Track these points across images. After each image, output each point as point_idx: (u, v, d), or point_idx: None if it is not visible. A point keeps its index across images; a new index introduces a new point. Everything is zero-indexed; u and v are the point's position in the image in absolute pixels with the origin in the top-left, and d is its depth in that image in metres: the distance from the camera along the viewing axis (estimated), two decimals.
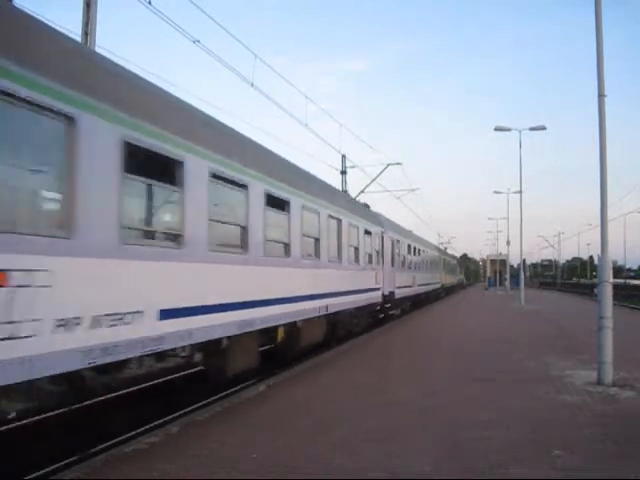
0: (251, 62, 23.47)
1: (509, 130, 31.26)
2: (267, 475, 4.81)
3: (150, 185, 6.39)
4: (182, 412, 7.66)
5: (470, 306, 32.91)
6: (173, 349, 6.71)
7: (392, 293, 19.51)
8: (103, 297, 5.36)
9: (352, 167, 28.92)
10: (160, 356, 6.68)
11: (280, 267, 9.63)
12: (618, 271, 72.78)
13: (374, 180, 28.31)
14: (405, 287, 22.77)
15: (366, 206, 19.21)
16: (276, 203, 9.52)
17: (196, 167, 6.90)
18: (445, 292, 44.71)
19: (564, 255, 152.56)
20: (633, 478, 4.74)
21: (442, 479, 4.71)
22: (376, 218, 18.50)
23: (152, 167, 6.23)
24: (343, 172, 28.59)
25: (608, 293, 8.48)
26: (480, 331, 16.98)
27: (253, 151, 9.37)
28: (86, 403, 7.12)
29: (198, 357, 7.70)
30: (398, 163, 29.07)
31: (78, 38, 8.91)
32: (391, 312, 20.25)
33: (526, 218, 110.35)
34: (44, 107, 4.80)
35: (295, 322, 10.46)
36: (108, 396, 7.92)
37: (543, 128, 30.66)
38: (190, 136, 6.89)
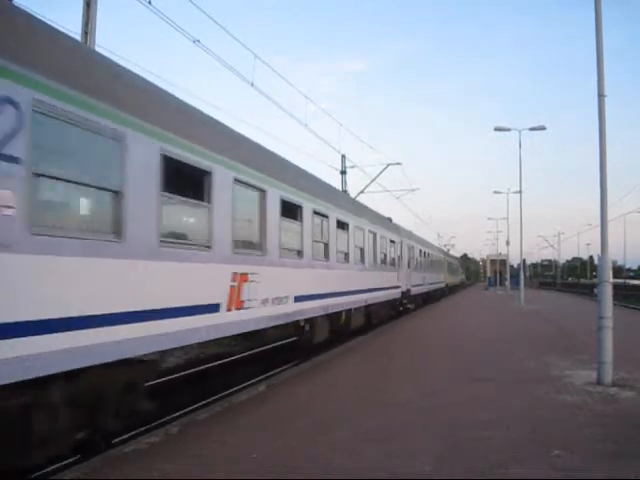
0: (251, 62, 23.50)
1: (509, 130, 31.27)
2: (267, 475, 4.81)
3: (289, 224, 10.34)
4: (182, 412, 7.66)
5: (470, 306, 32.92)
6: (297, 320, 10.83)
7: (408, 290, 23.47)
8: (276, 288, 9.32)
9: (352, 167, 28.96)
10: (287, 326, 10.50)
11: (343, 270, 13.79)
12: (618, 271, 72.82)
13: (374, 180, 28.33)
14: (418, 285, 26.95)
15: (389, 220, 22.48)
16: (341, 225, 13.71)
17: (307, 210, 11.04)
18: (449, 290, 49.00)
19: (564, 255, 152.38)
20: (633, 478, 4.74)
21: (442, 479, 4.72)
22: (397, 229, 22.59)
23: (296, 215, 10.67)
24: (343, 172, 28.59)
25: (608, 293, 8.48)
26: (480, 331, 17.00)
27: (331, 193, 14.20)
28: None
29: (307, 327, 11.72)
30: (398, 163, 29.04)
31: (78, 37, 8.91)
32: (408, 306, 24.21)
33: (526, 218, 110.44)
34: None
35: (350, 309, 14.50)
36: None
37: (543, 128, 30.67)
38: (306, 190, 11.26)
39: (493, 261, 76.60)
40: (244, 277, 8.11)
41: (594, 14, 8.76)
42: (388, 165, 28.37)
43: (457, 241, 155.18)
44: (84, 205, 5.64)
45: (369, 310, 16.84)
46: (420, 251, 28.70)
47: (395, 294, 20.77)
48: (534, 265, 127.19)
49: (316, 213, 11.53)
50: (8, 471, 4.99)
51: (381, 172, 28.19)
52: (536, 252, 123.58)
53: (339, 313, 13.55)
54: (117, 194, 5.57)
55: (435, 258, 36.67)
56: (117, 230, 5.57)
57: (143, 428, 7.01)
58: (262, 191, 8.91)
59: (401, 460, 5.18)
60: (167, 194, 6.38)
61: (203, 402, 8.33)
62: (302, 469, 4.95)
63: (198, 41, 10.92)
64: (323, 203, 12.18)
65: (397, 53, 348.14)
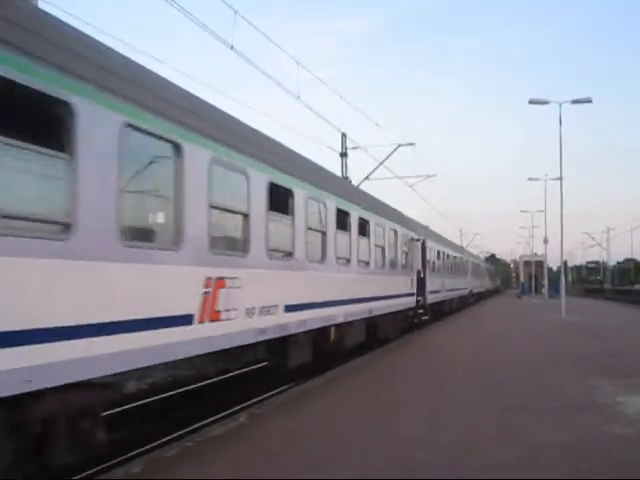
0: (231, 20, 23.44)
1: (547, 103, 31.16)
2: None
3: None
4: (145, 449, 7.60)
5: (501, 316, 33.14)
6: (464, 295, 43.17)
7: (471, 290, 48.57)
8: (453, 285, 36.26)
9: (354, 148, 28.89)
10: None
11: (474, 279, 51.92)
12: None
13: (381, 164, 28.25)
14: (476, 288, 53.61)
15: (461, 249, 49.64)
16: (476, 264, 56.43)
17: (470, 261, 50.63)
18: (488, 293, 75.96)
19: (614, 256, 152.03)
20: None
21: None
22: (479, 258, 67.64)
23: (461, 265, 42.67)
24: (343, 154, 28.46)
25: None
26: (513, 346, 17.21)
27: (438, 236, 32.94)
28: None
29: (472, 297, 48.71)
30: (411, 144, 29.05)
31: None
32: (470, 300, 49.14)
33: (568, 211, 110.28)
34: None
35: (467, 294, 45.69)
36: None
37: (588, 101, 30.59)
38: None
39: (527, 263, 76.90)
40: (444, 283, 30.36)
41: None
42: (399, 146, 28.30)
43: (483, 238, 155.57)
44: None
45: (470, 297, 46.80)
46: (484, 267, 66.99)
47: (467, 291, 45.31)
48: (578, 268, 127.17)
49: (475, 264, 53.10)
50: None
51: (390, 154, 28.19)
52: (580, 252, 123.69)
53: (475, 294, 51.92)
54: None
55: (482, 270, 66.51)
56: None
57: (103, 465, 6.96)
58: (461, 259, 40.51)
59: None
60: None
61: (170, 437, 8.25)
62: None
63: None
64: (475, 260, 54.17)
65: (410, 8, 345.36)
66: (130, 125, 6.25)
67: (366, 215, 15.20)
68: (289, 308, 10.06)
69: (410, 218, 23.21)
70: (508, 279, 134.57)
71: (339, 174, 25.62)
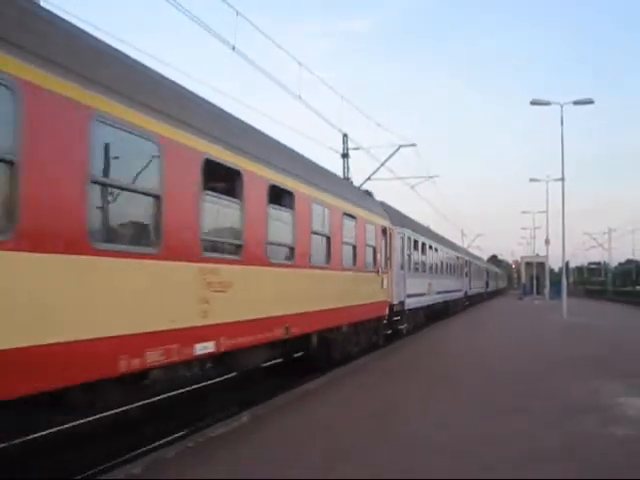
0: (233, 20, 23.48)
1: (548, 104, 31.37)
2: None
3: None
4: (146, 449, 7.63)
5: (502, 319, 33.09)
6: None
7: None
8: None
9: (355, 149, 28.93)
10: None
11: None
12: None
13: (383, 164, 28.23)
14: (476, 289, 53.24)
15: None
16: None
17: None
18: (499, 291, 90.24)
19: (616, 257, 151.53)
20: None
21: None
22: (490, 264, 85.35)
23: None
24: (344, 155, 28.52)
25: None
26: (515, 349, 17.40)
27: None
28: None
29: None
30: (412, 144, 29.01)
31: None
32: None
33: (569, 211, 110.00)
34: None
35: (462, 297, 43.80)
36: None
37: (590, 102, 30.75)
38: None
39: (529, 264, 76.77)
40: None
41: None
42: (400, 147, 28.28)
43: (485, 239, 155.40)
44: None
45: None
46: (492, 272, 76.00)
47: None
48: (579, 269, 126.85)
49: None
50: None
51: (391, 155, 28.07)
52: (581, 253, 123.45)
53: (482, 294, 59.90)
54: None
55: (494, 274, 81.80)
56: None
57: (104, 466, 7.01)
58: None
59: None
60: None
61: (172, 437, 8.27)
62: None
63: None
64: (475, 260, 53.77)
65: (409, 9, 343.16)
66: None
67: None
68: None
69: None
70: (510, 279, 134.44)
71: (340, 175, 25.62)
